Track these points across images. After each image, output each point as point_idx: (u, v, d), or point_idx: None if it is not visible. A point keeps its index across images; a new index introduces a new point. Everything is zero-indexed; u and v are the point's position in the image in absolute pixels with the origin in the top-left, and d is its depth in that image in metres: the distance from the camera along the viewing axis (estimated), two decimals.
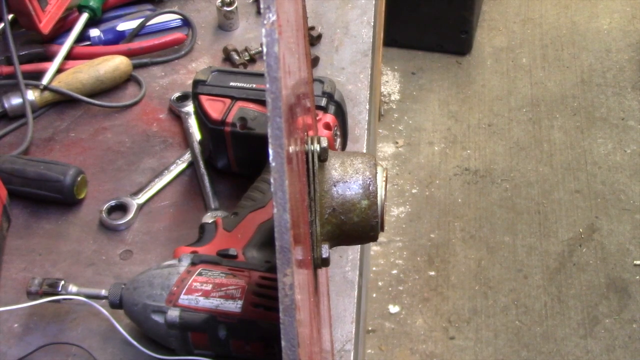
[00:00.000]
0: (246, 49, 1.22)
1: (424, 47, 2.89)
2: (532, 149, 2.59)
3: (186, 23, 1.26)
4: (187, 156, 1.09)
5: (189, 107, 1.12)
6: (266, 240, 0.90)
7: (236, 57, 1.21)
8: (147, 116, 1.15)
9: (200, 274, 0.84)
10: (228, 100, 0.99)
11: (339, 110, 1.01)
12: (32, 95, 1.13)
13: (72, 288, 0.88)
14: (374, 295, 2.21)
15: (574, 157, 2.56)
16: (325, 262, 0.72)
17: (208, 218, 0.99)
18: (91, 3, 1.22)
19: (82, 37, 1.22)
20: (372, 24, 1.27)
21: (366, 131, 1.12)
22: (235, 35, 1.27)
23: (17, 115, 1.13)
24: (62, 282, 0.88)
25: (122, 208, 1.03)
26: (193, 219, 1.01)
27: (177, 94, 1.16)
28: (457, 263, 2.29)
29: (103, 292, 0.87)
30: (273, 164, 0.50)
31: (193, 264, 0.86)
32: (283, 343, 0.52)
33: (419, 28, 2.83)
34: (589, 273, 2.25)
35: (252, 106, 0.99)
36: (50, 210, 1.03)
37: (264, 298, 0.82)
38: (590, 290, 2.21)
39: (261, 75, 1.02)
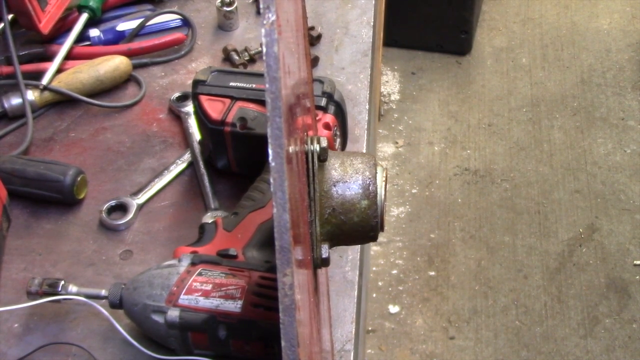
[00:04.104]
0: (246, 49, 1.22)
1: (424, 47, 2.89)
2: (532, 149, 2.59)
3: (186, 23, 1.26)
4: (187, 156, 1.09)
5: (189, 107, 1.12)
6: (266, 240, 0.90)
7: (236, 57, 1.21)
8: (147, 116, 1.15)
9: (200, 274, 0.84)
10: (228, 100, 0.99)
11: (338, 110, 1.01)
12: (32, 95, 1.13)
13: (72, 288, 0.88)
14: (374, 295, 2.21)
15: (574, 157, 2.56)
16: (325, 262, 0.72)
17: (208, 218, 0.99)
18: (91, 3, 1.22)
19: (82, 37, 1.22)
20: (372, 24, 1.27)
21: (366, 131, 1.12)
22: (235, 35, 1.27)
23: (17, 115, 1.13)
24: (62, 282, 0.89)
25: (122, 208, 1.03)
26: (193, 219, 1.01)
27: (177, 94, 1.16)
28: (457, 263, 2.29)
29: (103, 292, 0.87)
30: (273, 164, 0.50)
31: (193, 264, 0.86)
32: (283, 343, 0.52)
33: (419, 28, 2.83)
34: (589, 273, 2.25)
35: (252, 106, 0.99)
36: (50, 210, 1.03)
37: (264, 298, 0.82)
38: (590, 290, 2.21)
39: (261, 75, 1.02)
